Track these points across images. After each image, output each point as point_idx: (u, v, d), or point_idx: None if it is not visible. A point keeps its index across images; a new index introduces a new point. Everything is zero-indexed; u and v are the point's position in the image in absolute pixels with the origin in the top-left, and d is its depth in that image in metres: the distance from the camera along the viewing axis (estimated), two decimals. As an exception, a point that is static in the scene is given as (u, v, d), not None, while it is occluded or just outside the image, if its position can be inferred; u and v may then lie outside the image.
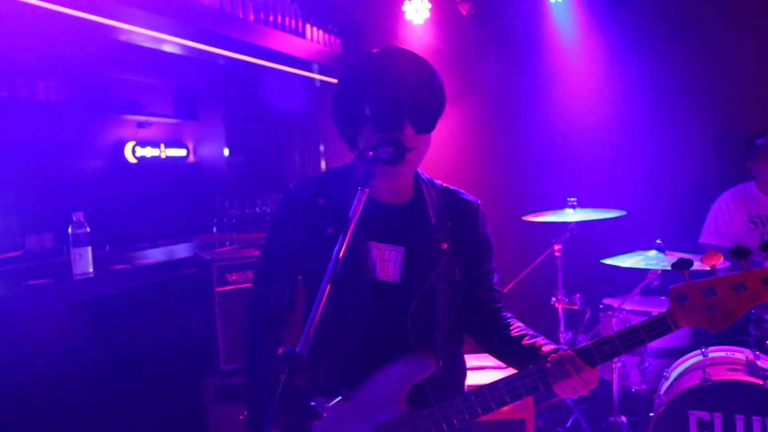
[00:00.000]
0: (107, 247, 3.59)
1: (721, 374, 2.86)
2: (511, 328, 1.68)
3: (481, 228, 1.76)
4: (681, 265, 1.48)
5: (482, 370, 2.96)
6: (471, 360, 1.85)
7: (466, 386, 1.80)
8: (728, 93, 4.40)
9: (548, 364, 1.47)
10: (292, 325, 1.73)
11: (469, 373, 1.83)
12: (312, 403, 1.10)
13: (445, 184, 1.79)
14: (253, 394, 1.70)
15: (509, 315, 1.74)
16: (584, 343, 1.50)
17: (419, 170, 1.75)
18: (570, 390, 1.47)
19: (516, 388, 1.49)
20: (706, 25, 4.42)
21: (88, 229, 2.74)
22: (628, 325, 3.60)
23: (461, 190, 1.80)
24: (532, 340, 1.60)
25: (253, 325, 1.74)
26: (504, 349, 1.69)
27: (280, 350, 1.66)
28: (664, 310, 3.57)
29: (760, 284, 1.41)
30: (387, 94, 1.53)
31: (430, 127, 1.58)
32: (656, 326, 1.46)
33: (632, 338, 1.46)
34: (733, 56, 4.37)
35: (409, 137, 1.53)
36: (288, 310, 1.73)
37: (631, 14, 4.56)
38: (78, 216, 2.73)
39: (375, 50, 1.63)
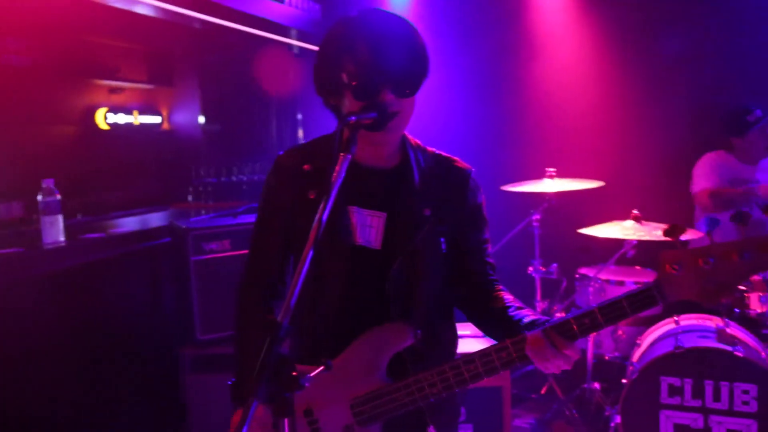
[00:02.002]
0: (79, 216, 3.52)
1: (692, 341, 2.92)
2: (500, 302, 1.62)
3: (471, 196, 1.69)
4: (674, 232, 1.35)
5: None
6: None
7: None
8: (700, 69, 4.44)
9: (527, 342, 1.42)
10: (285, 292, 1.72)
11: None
12: (294, 374, 1.08)
13: (436, 151, 1.74)
14: (242, 361, 1.69)
15: (502, 288, 1.68)
16: (559, 313, 1.46)
17: (407, 135, 1.70)
18: (553, 367, 1.42)
19: (491, 361, 1.46)
20: (680, 8, 4.43)
21: (58, 197, 2.67)
22: (602, 294, 3.68)
23: (453, 157, 1.74)
24: (515, 312, 1.55)
25: (245, 292, 1.74)
26: (490, 323, 1.64)
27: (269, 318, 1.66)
28: (639, 279, 3.61)
29: (760, 251, 1.26)
30: (364, 60, 1.48)
31: (412, 90, 1.54)
32: (640, 299, 1.35)
33: (614, 310, 1.37)
34: (703, 36, 4.41)
35: (390, 102, 1.49)
36: (281, 276, 1.73)
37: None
38: (48, 183, 2.66)
39: (356, 15, 1.58)
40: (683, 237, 1.36)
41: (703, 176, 4.03)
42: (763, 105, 3.92)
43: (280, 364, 1.08)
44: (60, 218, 2.70)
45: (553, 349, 1.40)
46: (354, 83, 1.48)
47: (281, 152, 1.73)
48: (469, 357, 1.48)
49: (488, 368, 1.46)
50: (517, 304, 1.61)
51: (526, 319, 1.52)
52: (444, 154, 1.74)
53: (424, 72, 1.56)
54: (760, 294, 3.26)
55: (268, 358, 1.08)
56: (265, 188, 1.73)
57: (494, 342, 1.52)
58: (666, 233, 1.36)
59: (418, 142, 1.73)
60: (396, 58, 1.49)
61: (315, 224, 1.19)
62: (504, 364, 1.46)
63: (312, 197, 1.60)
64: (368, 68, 1.48)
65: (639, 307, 1.36)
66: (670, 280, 1.32)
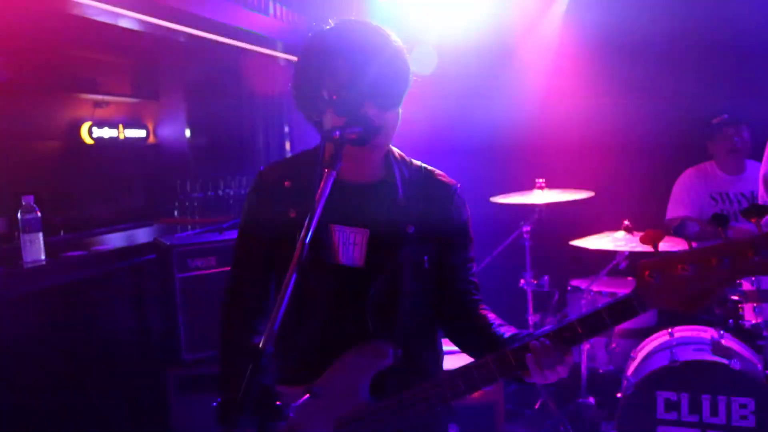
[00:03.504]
0: (62, 233, 3.44)
1: (687, 354, 2.88)
2: (482, 320, 1.58)
3: (456, 212, 1.65)
4: (651, 239, 1.32)
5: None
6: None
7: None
8: (689, 79, 4.45)
9: (533, 345, 1.38)
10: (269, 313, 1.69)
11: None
12: (278, 403, 1.03)
13: (422, 164, 1.70)
14: (226, 383, 1.65)
15: (486, 309, 1.63)
16: (549, 326, 1.43)
17: (392, 147, 1.66)
18: (552, 374, 1.37)
19: (472, 378, 1.42)
20: (671, 15, 4.44)
21: (38, 214, 2.60)
22: (594, 306, 3.65)
23: (438, 171, 1.70)
24: (497, 329, 1.51)
25: (228, 311, 1.70)
26: (471, 340, 1.60)
27: (255, 339, 1.62)
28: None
29: (740, 255, 1.22)
30: (343, 74, 1.44)
31: (395, 103, 1.50)
32: (620, 309, 1.32)
33: (594, 322, 1.34)
34: (693, 46, 4.43)
35: (374, 116, 1.45)
36: (264, 293, 1.70)
37: (601, 2, 4.55)
38: (28, 200, 2.59)
39: (332, 27, 1.54)
40: (663, 243, 1.33)
41: (678, 202, 4.04)
42: (753, 113, 3.92)
43: (263, 394, 1.03)
44: (40, 236, 2.62)
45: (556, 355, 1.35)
46: (335, 98, 1.44)
47: (262, 168, 1.69)
48: (450, 374, 1.44)
49: (469, 385, 1.43)
50: (499, 322, 1.56)
51: (507, 334, 1.48)
52: (429, 167, 1.70)
53: (406, 83, 1.52)
54: (754, 304, 3.24)
55: (250, 387, 1.02)
56: (246, 205, 1.70)
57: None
58: (643, 240, 1.34)
59: (403, 154, 1.68)
60: (376, 71, 1.44)
61: (299, 245, 1.14)
62: (485, 380, 1.42)
63: (293, 216, 1.55)
64: (348, 82, 1.43)
65: (619, 317, 1.33)
66: (648, 288, 1.29)
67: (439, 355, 1.74)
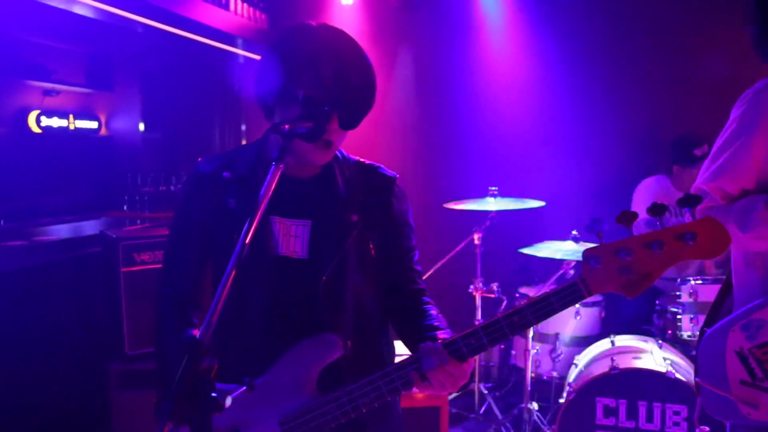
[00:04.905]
0: (2, 222, 3.33)
1: (627, 362, 2.97)
2: (423, 317, 1.59)
3: (396, 203, 1.66)
4: (595, 226, 1.37)
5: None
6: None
7: None
8: (645, 96, 4.59)
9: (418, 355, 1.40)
10: (205, 306, 1.65)
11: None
12: (213, 394, 1.02)
13: (360, 159, 1.71)
14: (163, 379, 1.62)
15: (428, 300, 1.65)
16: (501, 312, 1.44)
17: None
18: (437, 384, 1.38)
19: (421, 368, 1.40)
20: (628, 35, 4.59)
21: (-23, 202, 2.52)
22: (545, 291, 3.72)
23: (377, 164, 1.71)
24: (432, 333, 1.51)
25: (163, 307, 1.66)
26: (411, 337, 1.59)
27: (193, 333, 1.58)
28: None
29: (675, 240, 1.29)
30: (326, 85, 1.43)
31: (356, 125, 1.52)
32: (567, 293, 1.35)
33: (543, 306, 1.36)
34: (650, 63, 4.57)
35: (333, 131, 1.46)
36: (199, 290, 1.65)
37: (558, 13, 4.66)
38: (-34, 186, 2.51)
39: (320, 27, 1.52)
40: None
41: (642, 203, 4.13)
42: (708, 131, 4.04)
43: (198, 384, 1.01)
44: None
45: (439, 364, 1.36)
46: (307, 103, 1.40)
47: (200, 159, 1.67)
48: (401, 364, 1.44)
49: (390, 388, 1.42)
50: (439, 325, 1.55)
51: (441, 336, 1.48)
52: (366, 161, 1.71)
53: (370, 109, 1.53)
54: (691, 316, 3.36)
55: (186, 377, 1.01)
56: (182, 196, 1.67)
57: None
58: (618, 220, 1.37)
59: (342, 151, 1.69)
60: (355, 92, 1.46)
61: (240, 241, 1.13)
62: (404, 384, 1.42)
63: (232, 206, 1.54)
64: (328, 94, 1.42)
65: (567, 302, 1.36)
66: (593, 273, 1.35)
67: (391, 343, 1.73)
